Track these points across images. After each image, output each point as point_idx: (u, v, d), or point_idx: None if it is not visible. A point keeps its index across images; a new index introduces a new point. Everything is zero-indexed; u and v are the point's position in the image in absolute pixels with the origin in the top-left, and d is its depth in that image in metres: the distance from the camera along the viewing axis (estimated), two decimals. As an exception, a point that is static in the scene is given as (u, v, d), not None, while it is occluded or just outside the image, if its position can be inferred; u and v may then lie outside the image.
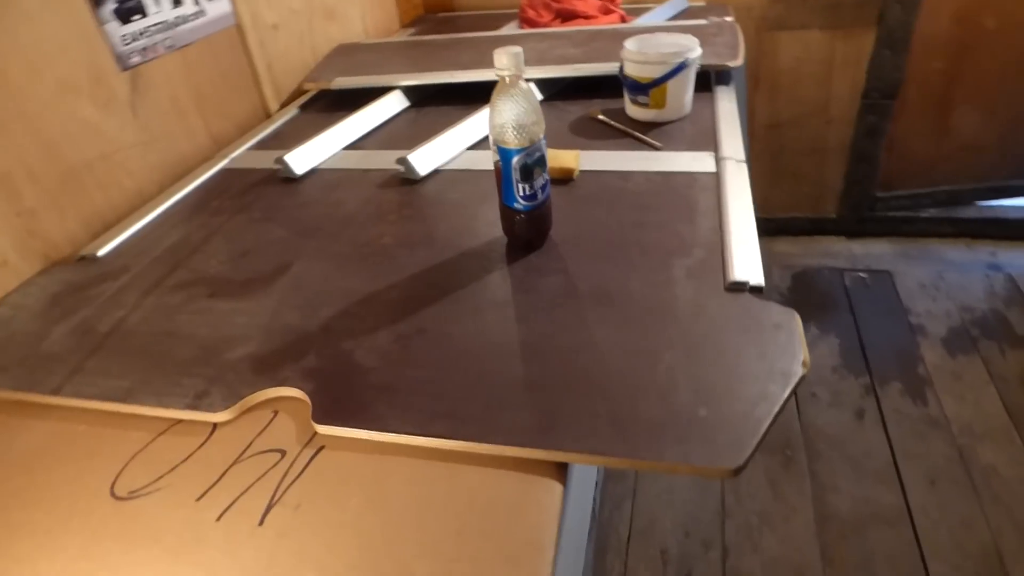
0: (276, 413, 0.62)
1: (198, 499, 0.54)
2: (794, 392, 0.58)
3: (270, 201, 1.00)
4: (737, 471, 0.52)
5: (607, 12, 1.61)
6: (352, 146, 1.16)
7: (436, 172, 1.03)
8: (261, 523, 0.52)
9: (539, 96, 1.23)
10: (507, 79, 0.70)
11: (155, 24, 1.05)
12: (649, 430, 0.55)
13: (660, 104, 1.07)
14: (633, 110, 1.12)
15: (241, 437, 0.60)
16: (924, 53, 1.89)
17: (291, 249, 0.87)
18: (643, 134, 1.05)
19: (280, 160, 1.05)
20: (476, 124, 1.11)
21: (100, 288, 0.83)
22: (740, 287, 0.69)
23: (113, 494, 0.56)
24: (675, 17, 1.62)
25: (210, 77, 1.18)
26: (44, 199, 0.89)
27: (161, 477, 0.57)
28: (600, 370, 0.62)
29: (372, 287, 0.77)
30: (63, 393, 0.66)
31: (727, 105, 1.12)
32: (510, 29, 1.69)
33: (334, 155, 1.13)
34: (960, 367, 1.72)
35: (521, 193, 0.75)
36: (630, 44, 1.08)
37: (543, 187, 0.76)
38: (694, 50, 1.05)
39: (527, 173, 0.73)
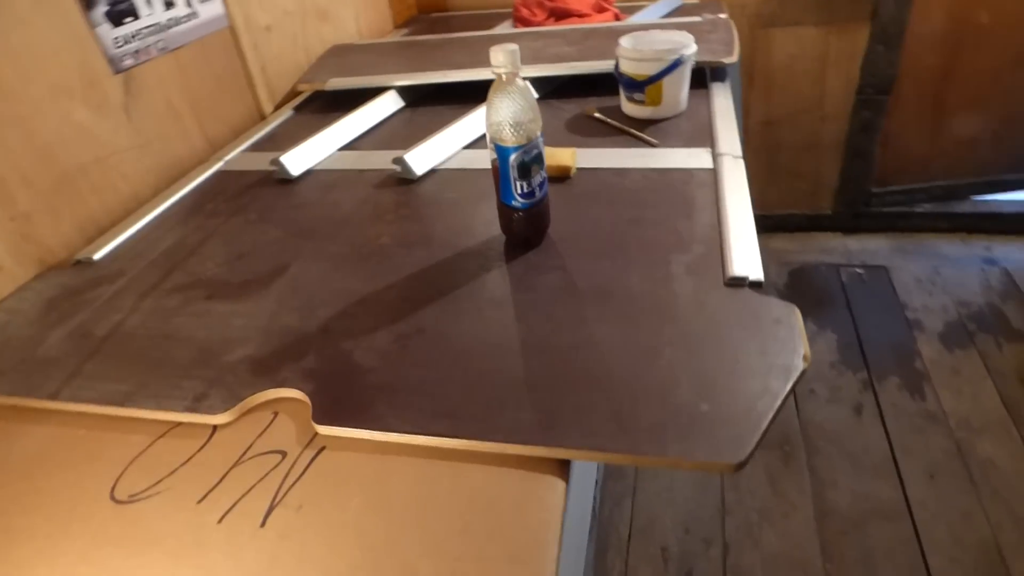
0: (276, 414, 0.62)
1: (199, 502, 0.54)
2: (794, 387, 0.58)
3: (266, 203, 1.00)
4: (739, 466, 0.52)
5: (601, 10, 1.61)
6: (348, 147, 1.16)
7: (433, 172, 1.03)
8: (263, 525, 0.51)
9: (535, 95, 1.23)
10: (504, 76, 0.70)
11: (147, 26, 1.05)
12: (651, 426, 0.55)
13: (656, 101, 1.07)
14: (629, 107, 1.12)
15: (241, 439, 0.60)
16: (918, 48, 1.90)
17: (288, 250, 0.87)
18: (639, 131, 1.05)
19: (276, 161, 1.04)
20: (472, 123, 1.11)
21: (96, 292, 0.83)
22: (739, 282, 0.69)
23: (113, 498, 0.55)
24: (669, 15, 1.62)
25: (204, 79, 1.17)
26: (38, 203, 0.89)
27: (161, 480, 0.57)
28: (601, 367, 0.61)
29: (370, 287, 0.77)
30: (61, 397, 0.66)
31: (723, 101, 1.12)
32: (504, 28, 1.68)
33: (330, 156, 1.12)
34: (957, 361, 1.72)
35: (519, 191, 0.75)
36: (625, 41, 1.08)
37: (541, 185, 0.76)
38: (689, 47, 1.05)
39: (525, 171, 0.73)
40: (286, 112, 1.33)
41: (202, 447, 0.60)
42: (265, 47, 1.32)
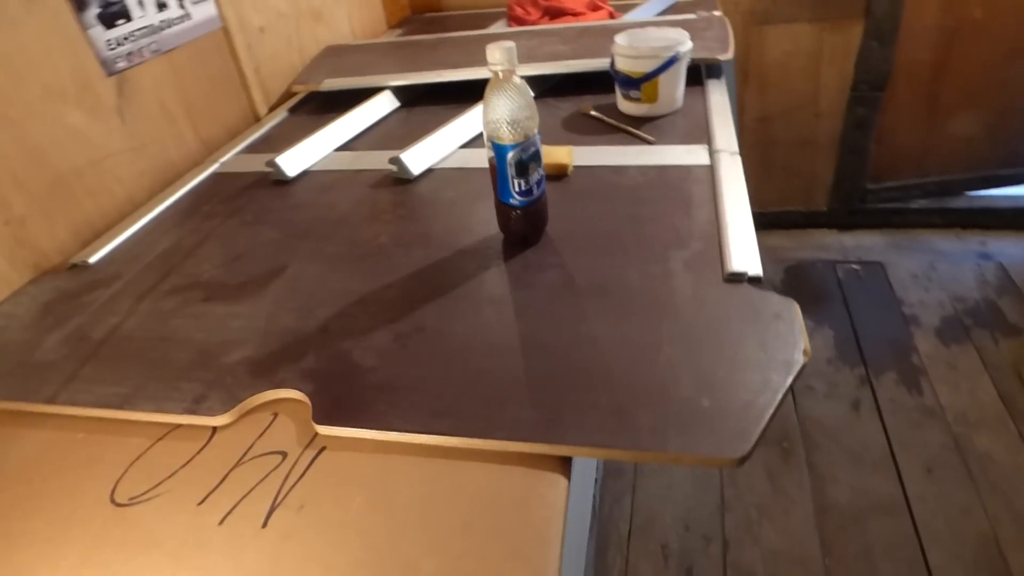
0: (276, 415, 0.62)
1: (199, 503, 0.54)
2: (795, 381, 0.58)
3: (262, 204, 1.00)
4: (741, 460, 0.52)
5: (595, 8, 1.61)
6: (343, 147, 1.15)
7: (429, 171, 1.03)
8: (264, 525, 0.51)
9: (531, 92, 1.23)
10: (500, 74, 0.70)
11: (140, 28, 1.04)
12: (652, 422, 0.55)
13: (652, 98, 1.07)
14: (625, 105, 1.12)
15: (241, 440, 0.60)
16: (912, 44, 1.90)
17: (285, 251, 0.86)
18: (636, 129, 1.05)
19: (271, 162, 1.04)
20: (468, 122, 1.11)
21: (93, 295, 0.82)
22: (738, 278, 0.69)
23: (113, 501, 0.55)
24: (663, 13, 1.62)
25: (197, 81, 1.17)
26: (33, 207, 0.88)
27: (161, 483, 0.56)
28: (601, 364, 0.61)
29: (369, 287, 0.76)
30: (58, 401, 0.66)
31: (719, 98, 1.12)
32: (498, 28, 1.68)
33: (325, 157, 1.12)
34: (954, 356, 1.72)
35: (516, 189, 0.74)
36: (621, 39, 1.08)
37: (538, 182, 0.76)
38: (685, 44, 1.05)
39: (522, 169, 0.73)
40: (281, 113, 1.33)
41: (202, 449, 0.59)
42: (259, 48, 1.32)
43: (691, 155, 0.96)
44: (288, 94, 1.42)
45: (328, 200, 0.98)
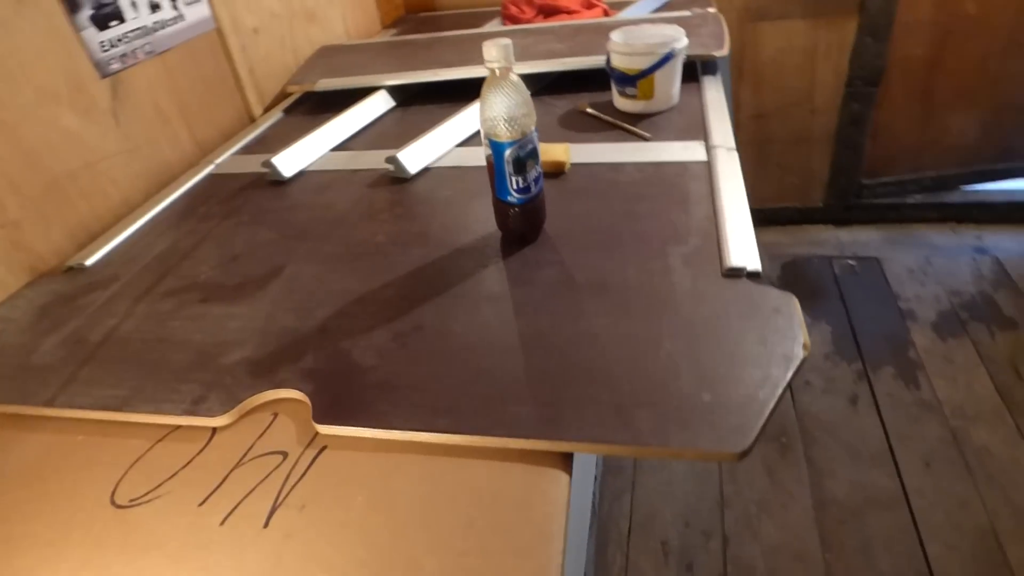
0: (276, 415, 0.62)
1: (200, 504, 0.54)
2: (795, 375, 0.58)
3: (259, 205, 0.99)
4: (743, 454, 0.52)
5: (590, 6, 1.61)
6: (339, 147, 1.15)
7: (426, 170, 1.03)
8: (266, 525, 0.51)
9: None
10: (497, 71, 0.69)
11: (133, 30, 1.04)
12: (653, 417, 0.55)
13: (648, 95, 1.07)
14: (621, 102, 1.12)
15: (241, 441, 0.59)
16: (906, 40, 1.91)
17: (283, 252, 0.86)
18: (632, 125, 1.05)
19: (267, 163, 1.04)
20: (464, 121, 1.11)
21: (90, 298, 0.82)
22: (737, 273, 0.69)
23: (114, 503, 0.55)
24: (658, 10, 1.62)
25: (192, 82, 1.17)
26: (28, 210, 0.88)
27: (162, 484, 0.56)
28: (601, 360, 0.61)
29: (367, 286, 0.76)
30: (57, 404, 0.65)
31: (715, 94, 1.12)
32: (493, 26, 1.68)
33: (322, 157, 1.12)
34: (950, 350, 1.73)
35: (514, 186, 0.74)
36: (616, 36, 1.08)
37: (536, 179, 0.76)
38: (680, 40, 1.05)
39: (520, 166, 0.73)
40: (276, 114, 1.32)
41: (202, 450, 0.59)
42: (253, 49, 1.32)
43: (688, 151, 0.96)
44: (283, 95, 1.41)
45: (325, 200, 0.98)
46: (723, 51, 1.17)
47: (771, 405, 0.55)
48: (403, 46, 1.50)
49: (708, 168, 0.90)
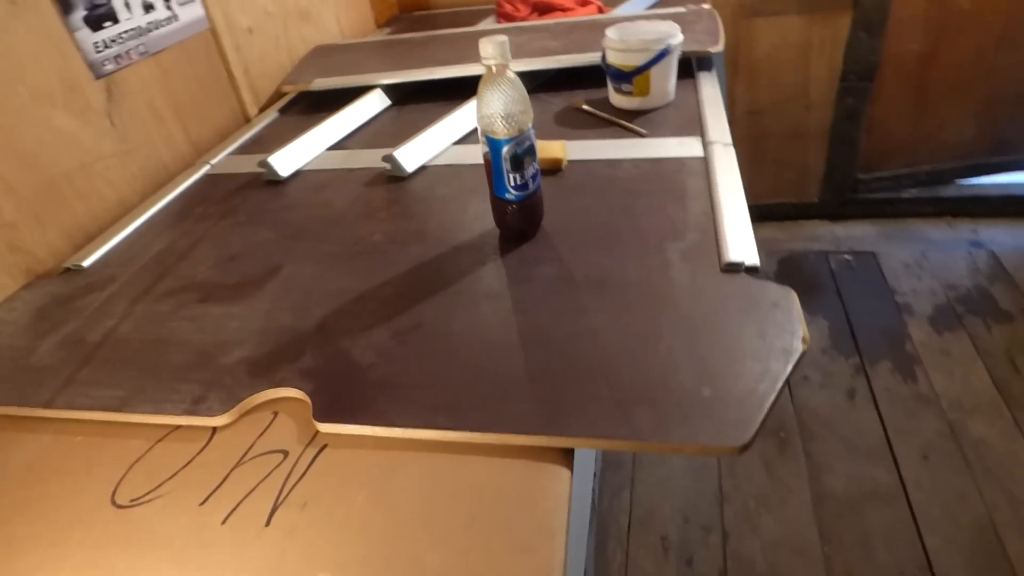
0: (276, 414, 0.62)
1: (201, 503, 0.54)
2: (795, 369, 0.58)
3: (255, 205, 0.99)
4: (744, 448, 0.52)
5: (584, 3, 1.61)
6: (336, 146, 1.15)
7: (423, 168, 1.02)
8: (268, 524, 0.51)
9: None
10: (494, 68, 0.69)
11: (127, 31, 1.04)
12: (654, 412, 0.55)
13: (644, 92, 1.07)
14: (617, 99, 1.12)
15: (242, 440, 0.59)
16: (900, 34, 1.91)
17: (280, 251, 0.86)
18: (628, 122, 1.05)
19: (264, 162, 1.04)
20: (460, 119, 1.11)
21: (87, 299, 0.82)
22: (736, 268, 0.69)
23: (114, 503, 0.55)
24: (652, 7, 1.62)
25: (186, 83, 1.16)
26: (24, 212, 0.88)
27: (162, 484, 0.56)
28: (601, 356, 0.61)
29: (365, 285, 0.76)
30: (56, 405, 0.65)
31: (710, 90, 1.12)
32: (487, 24, 1.68)
33: (318, 156, 1.12)
34: (947, 344, 1.73)
35: (512, 183, 0.74)
36: (612, 33, 1.08)
37: (534, 176, 0.76)
38: (676, 36, 1.05)
39: (517, 163, 0.73)
40: (271, 114, 1.32)
41: (202, 449, 0.59)
42: (247, 49, 1.31)
43: (684, 147, 0.96)
44: (278, 94, 1.41)
45: (322, 199, 0.98)
46: (718, 47, 1.17)
47: (771, 399, 0.55)
48: (398, 45, 1.50)
49: (705, 164, 0.91)
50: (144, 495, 0.55)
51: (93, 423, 0.64)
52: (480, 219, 0.86)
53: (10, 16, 0.86)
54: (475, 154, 1.02)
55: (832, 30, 1.91)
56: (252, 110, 1.33)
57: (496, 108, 0.70)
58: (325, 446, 0.57)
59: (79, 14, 0.95)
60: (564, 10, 1.60)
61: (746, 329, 0.62)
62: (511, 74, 0.71)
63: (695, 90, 1.14)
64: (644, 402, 0.56)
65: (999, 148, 2.14)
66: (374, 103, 1.27)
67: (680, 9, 1.42)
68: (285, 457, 0.57)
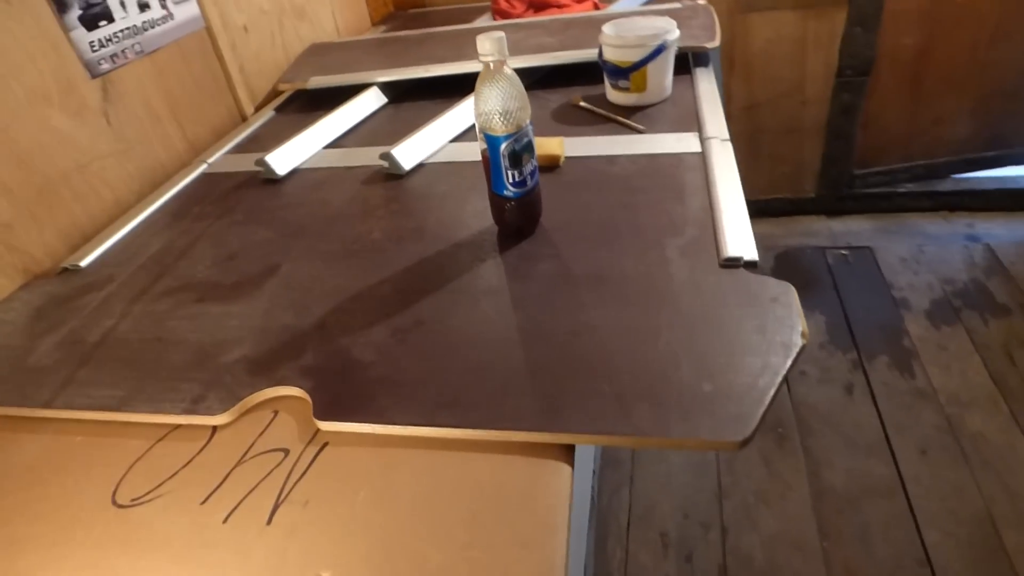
0: (276, 413, 0.61)
1: (202, 502, 0.54)
2: (794, 363, 0.58)
3: (253, 203, 0.99)
4: (744, 443, 0.52)
5: (580, 0, 1.61)
6: (333, 145, 1.15)
7: (421, 166, 1.02)
8: (269, 522, 0.51)
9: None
10: (491, 65, 0.69)
11: (123, 30, 1.03)
12: (654, 407, 0.55)
13: (641, 88, 1.07)
14: (614, 95, 1.12)
15: (242, 439, 0.59)
16: (895, 29, 1.91)
17: (279, 250, 0.86)
18: (626, 118, 1.05)
19: (261, 161, 1.03)
20: (458, 116, 1.10)
21: (85, 299, 0.82)
22: (734, 263, 0.69)
23: (115, 503, 0.55)
24: (648, 3, 1.62)
25: (182, 82, 1.16)
26: (20, 212, 0.87)
27: (163, 483, 0.56)
28: (601, 352, 0.61)
29: (364, 283, 0.76)
30: (55, 405, 0.65)
31: (707, 86, 1.12)
32: (483, 22, 1.68)
33: (315, 154, 1.11)
34: (944, 338, 1.74)
35: (510, 180, 0.74)
36: (608, 29, 1.08)
37: (532, 173, 0.76)
38: (672, 32, 1.05)
39: (516, 159, 0.73)
40: (267, 113, 1.32)
41: (202, 449, 0.59)
42: (243, 47, 1.31)
43: (682, 143, 0.96)
44: (274, 93, 1.41)
45: (320, 197, 0.97)
46: (714, 42, 1.17)
47: (771, 393, 0.55)
48: (394, 42, 1.49)
49: (703, 159, 0.91)
50: (145, 495, 0.55)
51: (93, 423, 0.64)
52: (478, 216, 0.86)
53: (5, 15, 0.86)
54: (473, 151, 1.02)
55: (827, 25, 1.91)
56: (248, 109, 1.33)
57: (494, 105, 0.70)
58: (326, 444, 0.57)
59: (74, 13, 0.95)
60: (560, 6, 1.60)
61: (745, 324, 0.62)
62: (509, 70, 0.71)
63: (692, 86, 1.14)
64: (645, 397, 0.56)
65: (994, 142, 2.14)
66: (371, 101, 1.26)
67: (676, 5, 1.42)
68: (286, 455, 0.57)
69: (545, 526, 0.48)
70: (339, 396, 0.61)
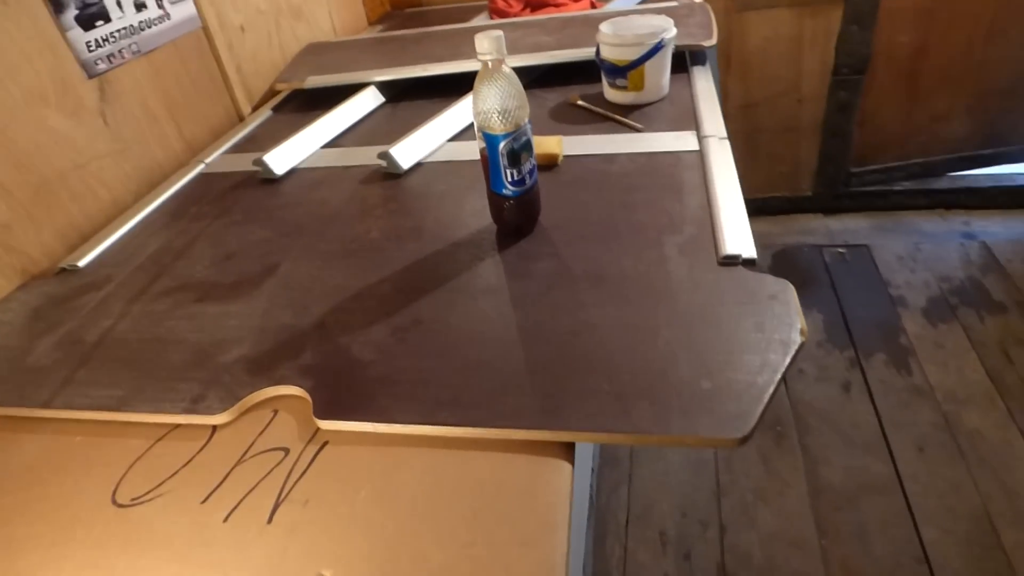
0: (276, 412, 0.61)
1: (203, 502, 0.54)
2: (793, 360, 0.58)
3: (251, 203, 0.99)
4: (744, 440, 0.52)
5: None
6: (330, 144, 1.15)
7: (419, 165, 1.02)
8: (270, 521, 0.51)
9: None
10: (490, 64, 0.69)
11: (119, 30, 1.03)
12: (654, 405, 0.55)
13: (638, 86, 1.07)
14: (612, 94, 1.12)
15: (242, 438, 0.59)
16: (891, 26, 1.91)
17: (277, 249, 0.86)
18: (623, 117, 1.06)
19: (259, 161, 1.03)
20: (455, 115, 1.10)
21: (83, 299, 0.81)
22: (733, 261, 0.70)
23: (115, 502, 0.55)
24: (644, 1, 1.62)
25: (179, 81, 1.16)
26: (18, 213, 0.87)
27: (163, 482, 0.56)
28: (600, 349, 0.61)
29: (363, 282, 0.76)
30: (54, 405, 0.65)
31: (704, 84, 1.12)
32: (480, 21, 1.68)
33: (313, 154, 1.11)
34: (941, 335, 1.74)
35: (509, 179, 0.74)
36: (606, 27, 1.08)
37: (531, 172, 0.76)
38: (669, 30, 1.05)
39: (514, 158, 0.73)
40: (265, 112, 1.32)
41: (202, 448, 0.59)
42: (240, 47, 1.31)
43: (680, 141, 0.96)
44: (271, 92, 1.41)
45: (318, 197, 0.97)
46: (711, 41, 1.18)
47: (770, 391, 0.55)
48: (391, 42, 1.49)
49: (700, 157, 0.91)
50: (145, 494, 0.55)
51: (92, 423, 0.64)
52: (477, 215, 0.86)
53: (1, 16, 0.85)
54: (471, 150, 1.02)
55: (823, 23, 1.91)
56: (246, 108, 1.33)
57: (492, 104, 0.70)
58: (326, 443, 0.57)
59: (71, 13, 0.95)
60: (557, 5, 1.60)
61: (744, 322, 0.62)
62: (507, 69, 0.71)
63: (689, 84, 1.14)
64: (644, 395, 0.56)
65: (990, 140, 2.14)
66: (368, 100, 1.26)
67: (672, 3, 1.42)
68: (286, 455, 0.57)
69: (546, 524, 0.48)
70: (339, 395, 0.61)
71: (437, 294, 0.72)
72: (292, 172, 1.07)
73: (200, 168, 1.11)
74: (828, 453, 1.49)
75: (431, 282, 0.74)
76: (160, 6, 1.11)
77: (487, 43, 0.68)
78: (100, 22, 1.00)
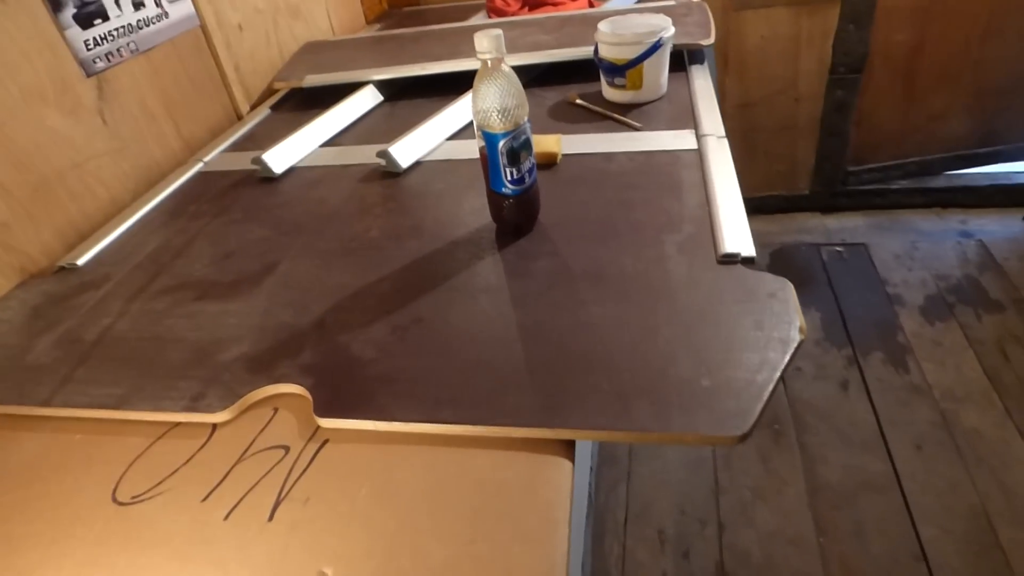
0: (276, 410, 0.62)
1: (203, 500, 0.54)
2: (792, 358, 0.58)
3: (250, 202, 0.99)
4: (743, 437, 0.52)
5: (575, -2, 1.61)
6: (329, 143, 1.15)
7: (418, 164, 1.02)
8: (270, 519, 0.51)
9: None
10: (489, 63, 0.70)
11: (117, 28, 1.03)
12: (654, 403, 0.55)
13: (637, 85, 1.07)
14: (610, 92, 1.12)
15: (242, 436, 0.59)
16: (888, 25, 1.92)
17: (276, 248, 0.86)
18: (622, 115, 1.06)
19: (258, 160, 1.03)
20: (454, 114, 1.10)
21: (82, 298, 0.81)
22: (732, 259, 0.70)
23: (115, 500, 0.55)
24: (642, 0, 1.62)
25: (178, 80, 1.16)
26: (17, 212, 0.87)
27: (163, 480, 0.56)
28: (600, 348, 0.62)
29: (363, 281, 0.76)
30: (54, 403, 0.65)
31: (703, 83, 1.12)
32: (478, 20, 1.68)
33: (311, 153, 1.11)
34: (939, 334, 1.75)
35: (509, 177, 0.74)
36: (604, 26, 1.08)
37: (530, 170, 0.76)
38: (667, 29, 1.05)
39: (514, 157, 0.73)
40: (263, 111, 1.32)
41: (202, 446, 0.59)
42: (238, 46, 1.31)
43: (678, 140, 0.96)
44: (269, 91, 1.41)
45: (317, 196, 0.97)
46: (709, 39, 1.18)
47: (769, 388, 0.55)
48: (389, 41, 1.49)
49: (699, 156, 0.91)
50: (145, 492, 0.55)
51: (92, 421, 0.64)
52: (476, 214, 0.86)
53: (0, 15, 0.85)
54: (470, 149, 1.02)
55: (821, 22, 1.92)
56: (244, 107, 1.33)
57: (492, 102, 0.70)
58: (326, 441, 0.58)
59: (69, 12, 0.95)
60: (555, 4, 1.60)
61: (743, 320, 0.62)
62: (507, 68, 0.71)
63: (687, 83, 1.14)
64: (644, 393, 0.56)
65: (987, 139, 2.15)
66: (367, 99, 1.26)
67: (670, 2, 1.42)
68: (286, 453, 0.57)
69: (547, 521, 0.49)
70: (339, 393, 0.61)
71: (437, 293, 0.72)
72: (291, 171, 1.07)
73: (198, 167, 1.11)
74: (826, 451, 1.49)
75: (430, 281, 0.74)
76: (158, 4, 1.11)
77: (487, 42, 0.68)
78: (98, 20, 1.00)
